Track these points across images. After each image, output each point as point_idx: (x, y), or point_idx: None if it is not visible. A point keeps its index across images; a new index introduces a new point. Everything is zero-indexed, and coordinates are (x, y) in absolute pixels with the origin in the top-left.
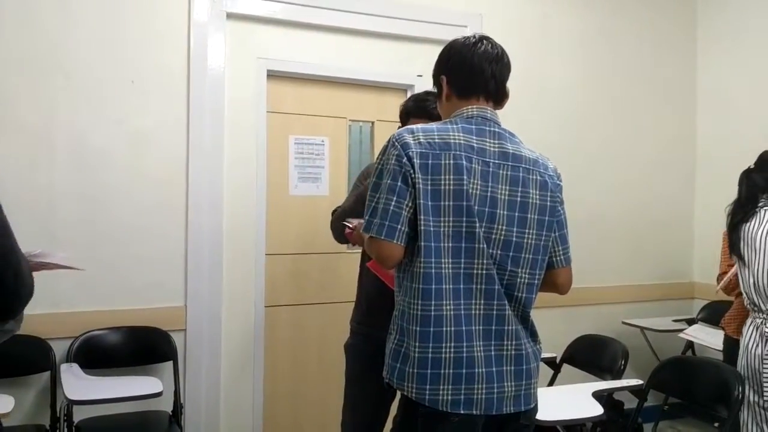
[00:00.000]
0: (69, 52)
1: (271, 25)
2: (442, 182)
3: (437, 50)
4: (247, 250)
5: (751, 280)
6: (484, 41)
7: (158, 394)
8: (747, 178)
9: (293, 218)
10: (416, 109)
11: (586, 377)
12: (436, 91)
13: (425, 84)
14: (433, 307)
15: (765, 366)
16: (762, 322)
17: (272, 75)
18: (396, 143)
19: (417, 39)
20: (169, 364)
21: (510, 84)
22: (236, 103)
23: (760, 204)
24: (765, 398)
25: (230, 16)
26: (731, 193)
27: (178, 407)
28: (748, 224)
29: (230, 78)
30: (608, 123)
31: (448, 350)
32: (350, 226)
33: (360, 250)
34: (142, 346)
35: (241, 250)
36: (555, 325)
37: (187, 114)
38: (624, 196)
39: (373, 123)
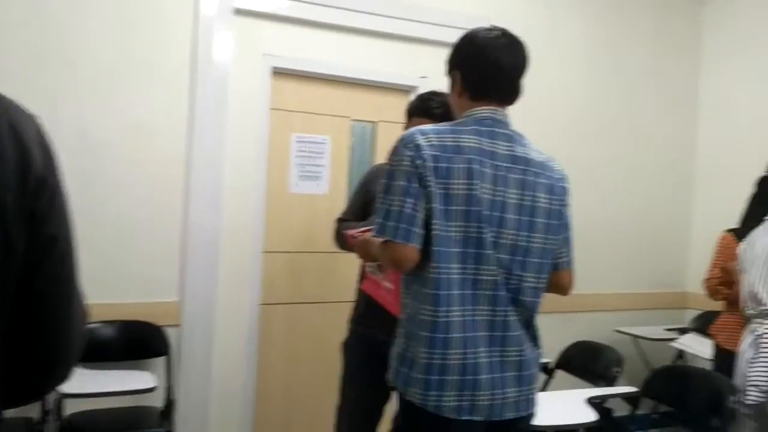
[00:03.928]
0: (75, 42)
1: (277, 21)
2: (453, 186)
3: (442, 52)
4: (245, 246)
5: (747, 289)
6: (505, 37)
7: (151, 390)
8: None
9: (292, 216)
10: (418, 109)
11: (579, 383)
12: (441, 91)
13: (429, 86)
14: (443, 313)
15: (752, 366)
16: (755, 328)
17: (277, 72)
18: (409, 144)
19: (422, 40)
20: (162, 359)
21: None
22: (240, 98)
23: None
24: (749, 399)
25: (238, 11)
26: (730, 203)
27: (169, 403)
28: (755, 231)
29: (235, 73)
30: (610, 130)
31: (454, 357)
32: (353, 234)
33: None
34: (135, 341)
35: (239, 247)
36: (549, 330)
37: (190, 108)
38: (622, 203)
39: (375, 123)
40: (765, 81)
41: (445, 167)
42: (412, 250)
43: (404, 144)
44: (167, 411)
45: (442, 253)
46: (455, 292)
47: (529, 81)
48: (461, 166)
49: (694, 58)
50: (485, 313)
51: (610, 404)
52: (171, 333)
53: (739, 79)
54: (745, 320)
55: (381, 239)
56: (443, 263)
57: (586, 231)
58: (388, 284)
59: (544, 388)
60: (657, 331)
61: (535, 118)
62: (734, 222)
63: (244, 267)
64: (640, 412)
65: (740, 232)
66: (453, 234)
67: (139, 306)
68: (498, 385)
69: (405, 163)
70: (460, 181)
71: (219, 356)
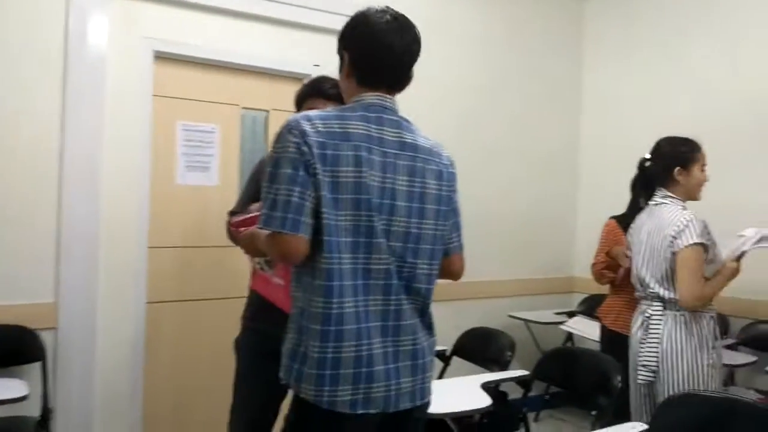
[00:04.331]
0: None
1: (161, 3)
2: (342, 174)
3: (335, 40)
4: (129, 242)
5: (634, 272)
6: (398, 21)
7: (22, 398)
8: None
9: (180, 209)
10: (310, 91)
11: (475, 369)
12: (332, 78)
13: (322, 74)
14: (335, 305)
15: (641, 347)
16: (644, 310)
17: (160, 57)
18: (294, 130)
19: (315, 28)
20: (38, 365)
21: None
22: (119, 84)
23: (656, 198)
24: (639, 379)
25: None
26: (611, 192)
27: (46, 412)
28: (640, 216)
29: (114, 58)
30: (501, 122)
31: (348, 349)
32: (239, 223)
33: None
34: (6, 347)
35: (122, 243)
36: (445, 318)
37: (64, 94)
38: (513, 193)
39: (267, 112)
40: (643, 75)
41: (333, 154)
42: (301, 240)
43: (289, 130)
44: (44, 420)
45: (332, 242)
46: (347, 282)
47: (423, 70)
48: (349, 153)
49: (576, 54)
50: (379, 302)
51: (504, 388)
52: (47, 337)
53: (619, 73)
54: (636, 302)
55: (268, 231)
56: (334, 253)
57: (480, 220)
58: (278, 280)
59: (440, 376)
60: (547, 315)
61: (428, 108)
62: (616, 209)
63: (127, 263)
64: (532, 394)
65: (623, 218)
66: (343, 223)
67: (10, 308)
68: (393, 376)
69: (290, 150)
70: (349, 169)
71: (102, 360)
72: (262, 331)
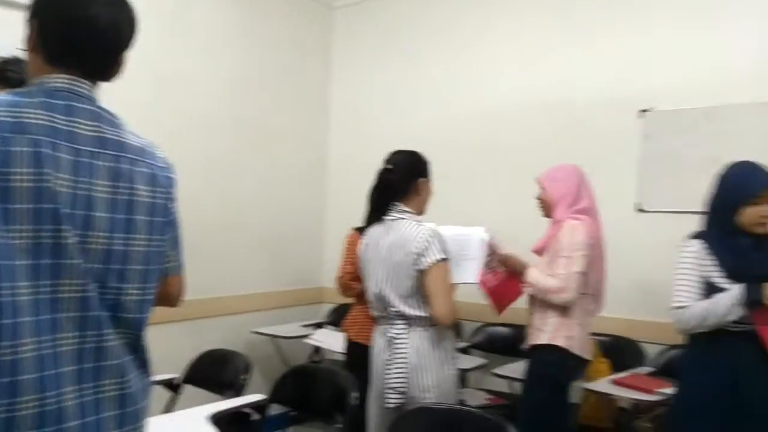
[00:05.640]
0: None
1: None
2: (15, 177)
3: None
4: None
5: (373, 290)
6: None
7: None
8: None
9: None
10: None
11: (209, 396)
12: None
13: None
14: (6, 351)
15: (387, 369)
16: (386, 330)
17: None
18: None
19: (18, 5)
20: None
21: (135, 74)
22: None
23: (392, 213)
24: (388, 402)
25: None
26: (358, 204)
27: None
28: (374, 230)
29: None
30: (248, 128)
31: (28, 406)
32: None
33: None
34: None
35: None
36: (178, 341)
37: None
38: (260, 204)
39: None
40: (389, 87)
41: (1, 151)
42: None
43: None
44: None
45: (2, 268)
46: (25, 318)
47: (153, 66)
48: (25, 149)
49: (326, 60)
50: (72, 340)
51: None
52: None
53: (366, 84)
54: (374, 320)
55: None
56: (4, 282)
57: (223, 232)
58: None
59: (168, 408)
60: (294, 329)
61: (160, 108)
62: (361, 219)
63: None
64: (277, 411)
65: (364, 230)
66: (18, 242)
67: None
68: (91, 431)
69: None
70: (24, 170)
71: None
72: None
